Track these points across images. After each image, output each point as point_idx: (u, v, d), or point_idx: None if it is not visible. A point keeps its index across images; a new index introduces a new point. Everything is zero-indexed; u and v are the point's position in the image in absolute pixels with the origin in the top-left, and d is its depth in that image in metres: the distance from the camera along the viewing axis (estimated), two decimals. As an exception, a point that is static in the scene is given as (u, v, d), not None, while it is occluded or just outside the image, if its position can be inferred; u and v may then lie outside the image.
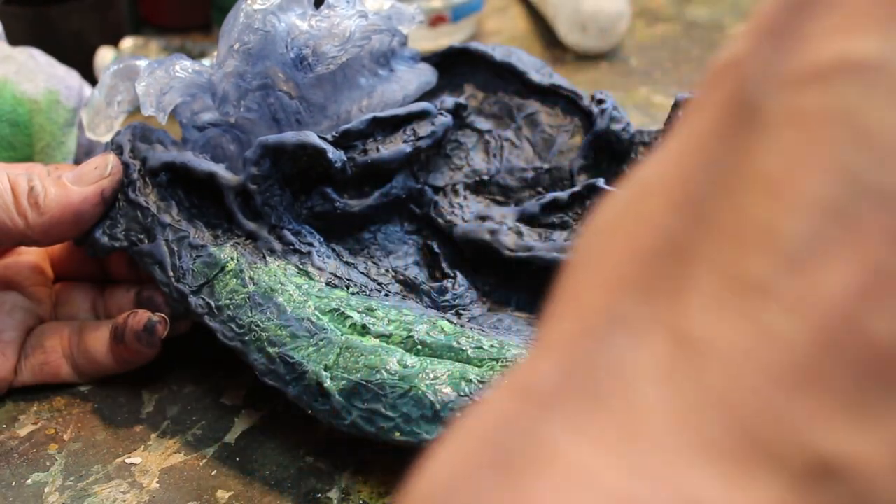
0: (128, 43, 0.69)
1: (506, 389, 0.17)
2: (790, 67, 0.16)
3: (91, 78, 0.67)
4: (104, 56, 0.67)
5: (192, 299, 0.42)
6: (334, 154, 0.45)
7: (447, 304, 0.44)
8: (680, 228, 0.16)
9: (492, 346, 0.40)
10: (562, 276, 0.18)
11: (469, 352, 0.40)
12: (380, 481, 0.41)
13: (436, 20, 0.72)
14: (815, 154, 0.15)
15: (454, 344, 0.40)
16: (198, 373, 0.46)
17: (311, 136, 0.44)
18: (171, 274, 0.43)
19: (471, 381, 0.38)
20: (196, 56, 0.69)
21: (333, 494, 0.40)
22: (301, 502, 0.40)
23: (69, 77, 0.55)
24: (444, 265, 0.46)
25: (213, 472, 0.41)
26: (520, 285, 0.46)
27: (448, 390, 0.38)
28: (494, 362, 0.39)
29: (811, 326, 0.14)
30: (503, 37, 0.76)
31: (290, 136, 0.44)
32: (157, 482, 0.41)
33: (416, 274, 0.46)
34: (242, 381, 0.46)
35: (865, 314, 0.14)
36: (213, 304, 0.42)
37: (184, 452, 0.42)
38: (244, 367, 0.43)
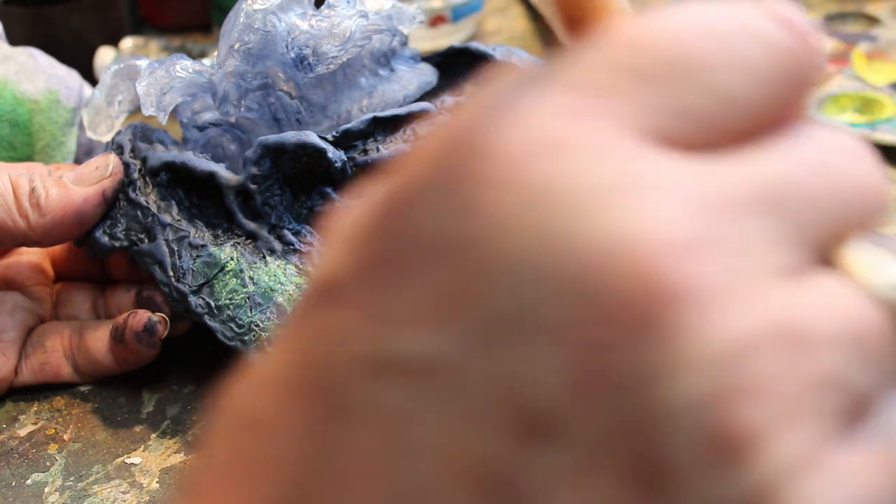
0: (128, 43, 0.69)
1: None
2: (361, 348, 0.14)
3: (91, 78, 0.67)
4: (104, 56, 0.67)
5: (192, 299, 0.42)
6: (334, 154, 0.45)
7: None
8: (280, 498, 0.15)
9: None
10: (197, 465, 0.17)
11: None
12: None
13: (436, 20, 0.72)
14: (382, 461, 0.14)
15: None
16: (198, 373, 0.46)
17: (312, 136, 0.44)
18: (171, 274, 0.43)
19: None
20: (196, 56, 0.69)
21: (333, 494, 0.40)
22: (301, 502, 0.40)
23: (69, 77, 0.55)
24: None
25: (214, 472, 0.41)
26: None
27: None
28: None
29: None
30: (503, 37, 0.76)
31: (290, 135, 0.44)
32: (157, 482, 0.41)
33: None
34: (242, 381, 0.45)
35: None
36: (213, 303, 0.42)
37: (184, 452, 0.42)
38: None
